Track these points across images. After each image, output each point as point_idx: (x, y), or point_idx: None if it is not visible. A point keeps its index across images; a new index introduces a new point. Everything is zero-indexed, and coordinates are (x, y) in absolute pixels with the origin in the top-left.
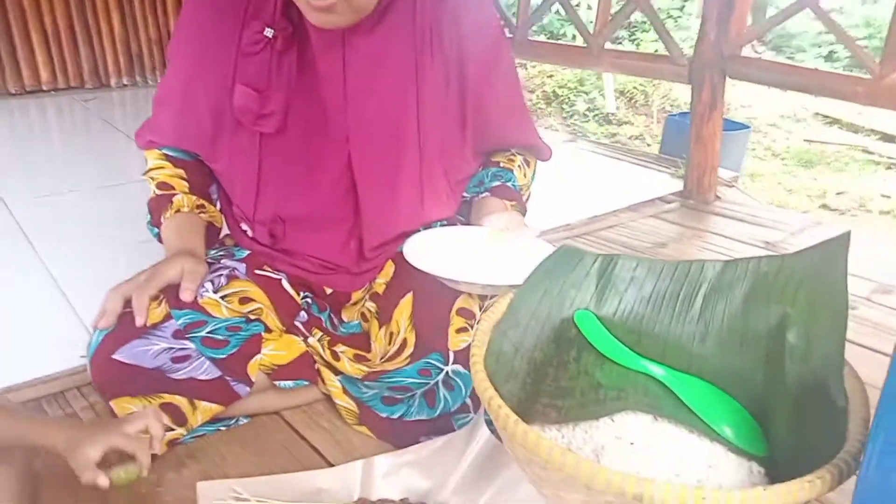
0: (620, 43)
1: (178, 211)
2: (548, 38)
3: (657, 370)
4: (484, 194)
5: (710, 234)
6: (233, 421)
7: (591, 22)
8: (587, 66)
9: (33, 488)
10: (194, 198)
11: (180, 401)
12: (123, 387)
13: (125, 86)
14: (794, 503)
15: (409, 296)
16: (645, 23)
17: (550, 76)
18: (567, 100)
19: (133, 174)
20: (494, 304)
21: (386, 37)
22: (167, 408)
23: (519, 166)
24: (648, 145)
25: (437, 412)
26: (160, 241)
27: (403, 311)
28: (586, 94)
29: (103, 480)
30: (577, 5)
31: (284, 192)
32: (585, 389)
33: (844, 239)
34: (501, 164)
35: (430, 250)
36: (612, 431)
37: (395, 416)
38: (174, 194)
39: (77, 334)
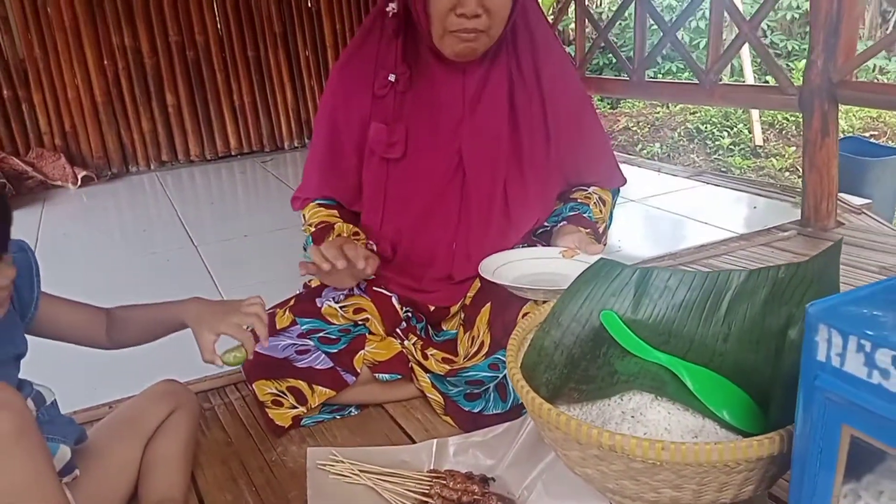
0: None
1: (339, 235)
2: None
3: (663, 357)
4: (561, 223)
5: None
6: (346, 411)
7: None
8: (699, 101)
9: (194, 451)
10: (351, 226)
11: (301, 384)
12: (261, 371)
13: (296, 147)
14: (744, 458)
15: (489, 305)
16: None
17: (693, 113)
18: (711, 135)
19: (298, 221)
20: (539, 308)
21: (493, 65)
22: (292, 390)
23: (595, 203)
24: (799, 177)
25: (509, 406)
26: None
27: (483, 317)
28: (731, 128)
29: (219, 362)
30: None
31: (404, 206)
32: (605, 376)
33: (837, 246)
34: (579, 200)
35: (504, 266)
36: (619, 408)
37: (476, 410)
38: (334, 223)
39: None
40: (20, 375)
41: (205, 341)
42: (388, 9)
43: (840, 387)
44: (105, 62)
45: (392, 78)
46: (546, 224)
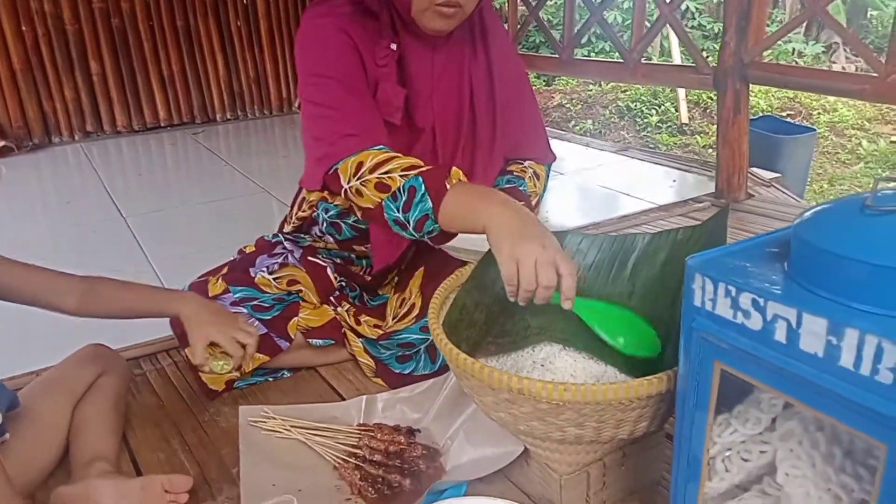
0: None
1: (460, 180)
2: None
3: (567, 306)
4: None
5: (732, 230)
6: (279, 374)
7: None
8: (624, 79)
9: (124, 413)
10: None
11: None
12: None
13: (228, 120)
14: (636, 396)
15: (422, 269)
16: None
17: (624, 91)
18: (640, 113)
19: (234, 191)
20: (461, 270)
21: (454, 44)
22: (226, 356)
23: (530, 177)
24: None
25: (438, 367)
26: (426, 220)
27: (416, 281)
28: (659, 106)
29: (206, 368)
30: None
31: None
32: (520, 330)
33: (725, 211)
34: (515, 173)
35: None
36: (530, 357)
37: (406, 372)
38: (449, 166)
39: None
40: None
41: (200, 348)
42: None
43: (712, 328)
44: (23, 28)
45: (394, 47)
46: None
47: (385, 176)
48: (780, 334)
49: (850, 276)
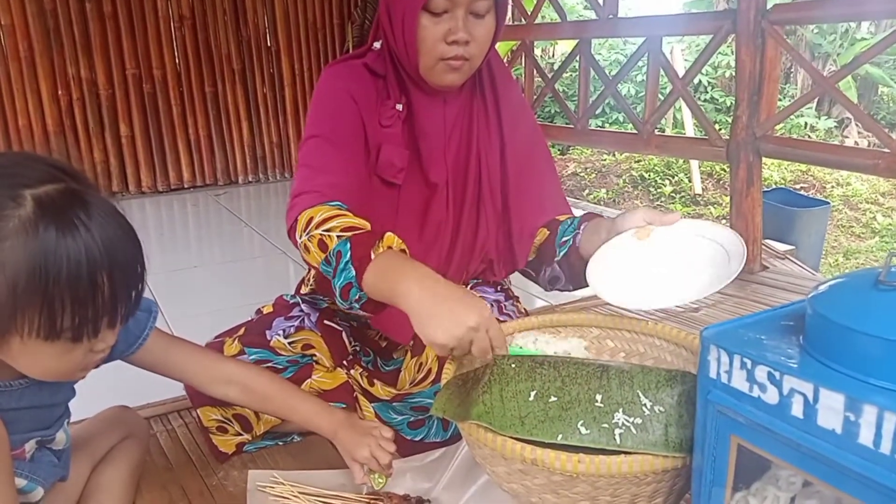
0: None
1: (389, 247)
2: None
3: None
4: (582, 226)
5: (746, 301)
6: (289, 438)
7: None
8: (637, 149)
9: (138, 480)
10: (400, 240)
11: (247, 412)
12: (207, 398)
13: (250, 182)
14: (651, 470)
15: None
16: None
17: (638, 161)
18: (654, 183)
19: (252, 252)
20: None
21: (465, 97)
22: (237, 418)
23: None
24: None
25: (450, 434)
26: (351, 288)
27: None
28: (672, 176)
29: (368, 488)
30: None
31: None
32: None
33: None
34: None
35: (611, 276)
36: None
37: (418, 438)
38: (382, 232)
39: None
40: None
41: (356, 469)
42: (374, 46)
43: (728, 400)
44: (59, 92)
45: (399, 107)
46: (564, 238)
47: (326, 234)
48: (797, 409)
49: (866, 351)
